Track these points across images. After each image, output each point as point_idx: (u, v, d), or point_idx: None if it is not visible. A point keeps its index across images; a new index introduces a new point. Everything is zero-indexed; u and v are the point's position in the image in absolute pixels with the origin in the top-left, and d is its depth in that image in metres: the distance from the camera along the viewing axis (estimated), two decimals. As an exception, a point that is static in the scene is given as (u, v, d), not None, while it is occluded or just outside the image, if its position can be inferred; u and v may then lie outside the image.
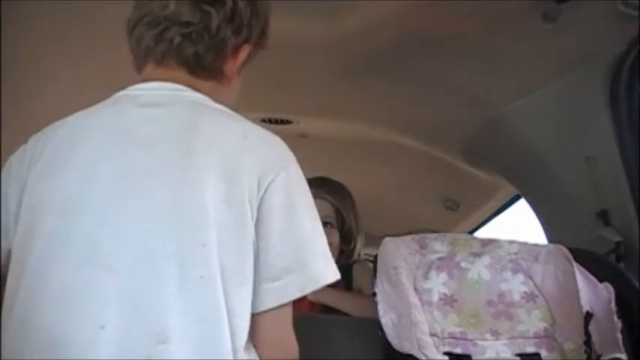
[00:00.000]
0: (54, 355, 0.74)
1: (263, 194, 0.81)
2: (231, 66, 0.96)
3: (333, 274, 0.85)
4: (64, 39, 1.56)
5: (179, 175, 0.80)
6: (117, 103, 0.91)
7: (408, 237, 1.40)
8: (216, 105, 0.92)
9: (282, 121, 2.08)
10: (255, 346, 0.82)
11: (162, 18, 0.90)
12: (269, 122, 2.06)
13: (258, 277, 0.80)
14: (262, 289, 0.80)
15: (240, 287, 0.78)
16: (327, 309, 1.61)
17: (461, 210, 2.66)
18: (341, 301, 1.60)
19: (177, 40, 0.90)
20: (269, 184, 0.82)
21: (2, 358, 0.77)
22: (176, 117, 0.87)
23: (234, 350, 0.76)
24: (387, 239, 1.38)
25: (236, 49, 0.95)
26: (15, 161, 0.91)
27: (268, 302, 0.80)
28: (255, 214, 0.81)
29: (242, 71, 0.99)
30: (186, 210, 0.79)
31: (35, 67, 1.65)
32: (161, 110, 0.87)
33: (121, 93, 0.92)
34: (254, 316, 0.80)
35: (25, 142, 0.94)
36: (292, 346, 0.86)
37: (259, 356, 0.82)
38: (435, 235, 1.41)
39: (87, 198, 0.81)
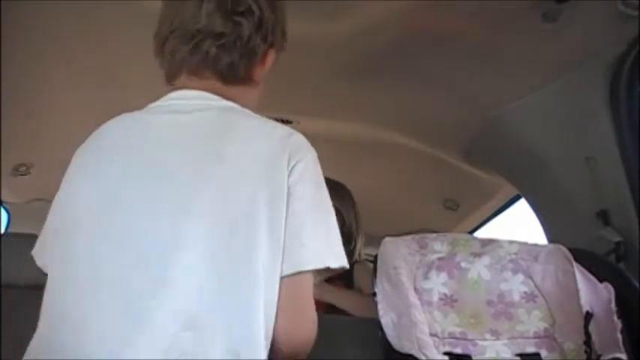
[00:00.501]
0: (88, 347, 0.75)
1: (288, 188, 0.85)
2: (260, 72, 1.00)
3: (335, 260, 0.87)
4: (62, 38, 1.56)
5: (213, 176, 0.84)
6: (148, 112, 0.95)
7: (408, 237, 1.40)
8: (245, 110, 0.95)
9: (283, 121, 2.08)
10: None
11: (195, 31, 0.93)
12: (269, 122, 2.06)
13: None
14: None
15: (274, 284, 0.81)
16: (329, 309, 1.61)
17: (461, 210, 2.66)
18: (342, 299, 1.60)
19: (213, 51, 0.93)
20: (290, 171, 0.86)
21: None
22: (206, 122, 0.90)
23: (266, 341, 0.79)
24: (387, 239, 1.38)
25: (264, 55, 0.99)
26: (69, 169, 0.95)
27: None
28: (282, 207, 0.84)
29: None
30: (221, 210, 0.82)
31: (33, 66, 1.65)
32: (191, 116, 0.91)
33: (154, 104, 0.96)
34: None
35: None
36: (306, 314, 0.87)
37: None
38: (435, 235, 1.41)
39: (122, 199, 0.84)
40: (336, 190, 1.77)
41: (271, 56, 1.01)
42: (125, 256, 0.79)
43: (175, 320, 0.75)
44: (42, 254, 0.92)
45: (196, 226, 0.80)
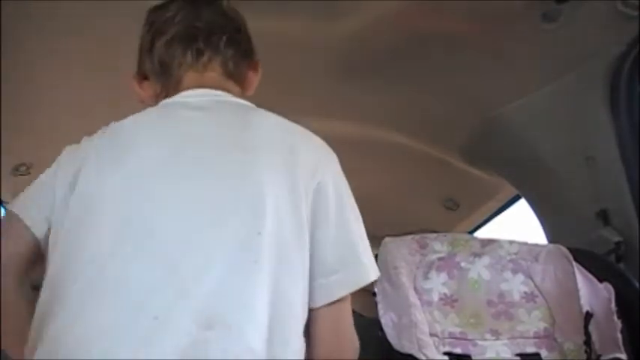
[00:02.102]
0: (108, 344, 0.73)
1: (315, 189, 0.85)
2: (253, 78, 1.04)
3: (376, 271, 0.88)
4: (64, 38, 1.56)
5: (235, 168, 0.83)
6: (164, 108, 0.94)
7: (408, 237, 1.40)
8: (257, 108, 0.96)
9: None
10: (312, 341, 0.83)
11: (197, 29, 0.98)
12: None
13: (313, 272, 0.82)
14: (317, 285, 0.82)
15: (298, 279, 0.80)
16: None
17: (461, 210, 2.66)
18: None
19: (223, 41, 0.98)
20: (321, 179, 0.86)
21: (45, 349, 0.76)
22: (226, 117, 0.92)
23: (285, 338, 0.76)
24: (387, 239, 1.38)
25: (255, 63, 1.04)
26: (66, 156, 0.92)
27: (323, 298, 0.82)
28: (309, 207, 0.84)
29: None
30: (241, 199, 0.81)
31: (34, 66, 1.65)
32: (210, 113, 0.92)
33: (167, 101, 0.95)
34: (310, 312, 0.82)
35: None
36: (351, 342, 0.86)
37: (317, 351, 0.82)
38: (435, 235, 1.41)
39: (143, 192, 0.82)
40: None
41: (259, 67, 1.05)
42: (147, 258, 0.77)
43: (197, 321, 0.73)
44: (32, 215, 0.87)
45: (213, 223, 0.79)
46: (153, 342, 0.71)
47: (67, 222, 0.83)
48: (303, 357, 0.79)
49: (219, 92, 0.96)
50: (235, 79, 1.00)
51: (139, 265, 0.77)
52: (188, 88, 0.96)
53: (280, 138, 0.88)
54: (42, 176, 0.92)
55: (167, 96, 0.97)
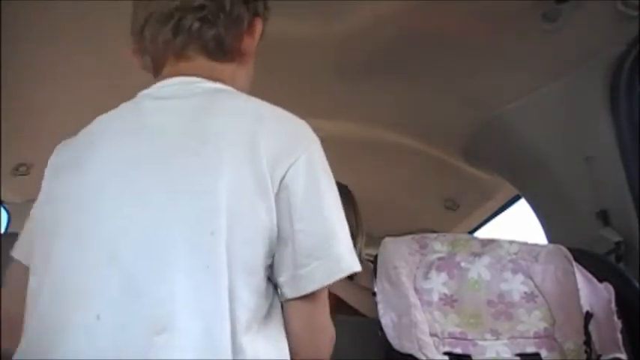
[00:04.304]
0: (50, 344, 0.73)
1: (282, 179, 0.79)
2: (250, 43, 0.95)
3: (356, 264, 0.83)
4: (63, 38, 1.56)
5: (192, 161, 0.79)
6: (134, 101, 0.91)
7: (408, 237, 1.40)
8: (232, 89, 0.91)
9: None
10: (288, 335, 0.82)
11: (173, 9, 0.89)
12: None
13: (284, 265, 0.80)
14: (289, 277, 0.80)
15: (250, 277, 0.76)
16: (332, 308, 1.61)
17: (461, 210, 2.66)
18: (349, 292, 1.59)
19: (195, 25, 0.89)
20: (289, 168, 0.80)
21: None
22: (189, 106, 0.86)
23: (237, 342, 0.73)
24: (387, 239, 1.38)
25: (251, 25, 0.95)
26: (49, 165, 0.92)
27: (294, 290, 0.80)
28: (274, 200, 0.79)
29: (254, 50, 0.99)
30: (197, 196, 0.77)
31: (34, 65, 1.65)
32: (174, 101, 0.87)
33: (142, 92, 0.92)
34: (284, 305, 0.81)
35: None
36: (324, 336, 0.85)
37: (292, 344, 0.81)
38: (435, 235, 1.41)
39: (101, 192, 0.80)
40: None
41: (259, 25, 0.96)
42: (99, 263, 0.75)
43: (148, 324, 0.72)
44: (22, 250, 0.89)
45: (167, 222, 0.76)
46: (91, 341, 0.71)
47: (38, 233, 0.84)
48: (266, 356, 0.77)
49: (192, 79, 0.89)
50: (221, 59, 0.92)
51: (89, 272, 0.76)
52: (166, 75, 0.91)
53: (244, 125, 0.82)
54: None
55: (156, 72, 0.93)
